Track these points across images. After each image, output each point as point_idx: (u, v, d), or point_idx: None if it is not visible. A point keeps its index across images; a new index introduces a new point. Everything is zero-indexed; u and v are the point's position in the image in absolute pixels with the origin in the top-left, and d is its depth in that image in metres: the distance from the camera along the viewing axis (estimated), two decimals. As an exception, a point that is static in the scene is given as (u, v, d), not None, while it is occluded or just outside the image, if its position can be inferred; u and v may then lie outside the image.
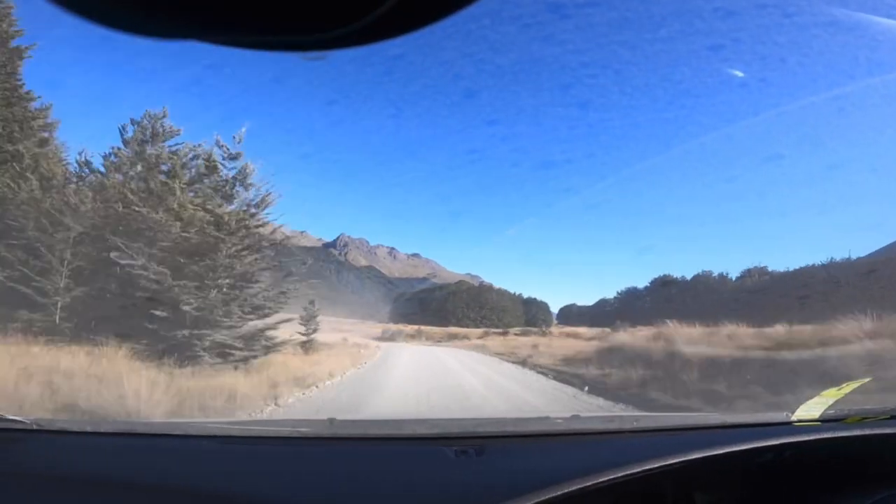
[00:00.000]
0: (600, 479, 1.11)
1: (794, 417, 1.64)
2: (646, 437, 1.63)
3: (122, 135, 12.16)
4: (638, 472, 1.16)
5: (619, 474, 1.14)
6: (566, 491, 1.06)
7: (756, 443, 1.35)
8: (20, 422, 1.49)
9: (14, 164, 10.86)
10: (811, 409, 1.67)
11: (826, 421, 1.61)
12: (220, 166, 11.29)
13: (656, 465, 1.19)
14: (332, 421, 1.79)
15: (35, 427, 1.51)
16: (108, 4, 0.39)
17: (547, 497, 1.04)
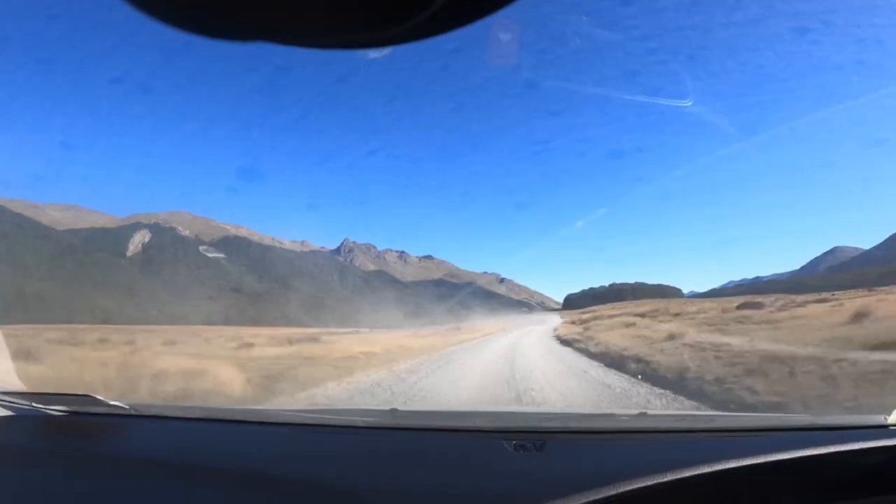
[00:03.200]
0: (667, 479, 1.05)
1: (891, 420, 1.48)
2: (722, 438, 1.52)
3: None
4: (710, 473, 1.09)
5: (688, 474, 1.07)
6: (628, 489, 1.02)
7: (848, 445, 1.23)
8: (121, 407, 1.64)
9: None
10: None
11: None
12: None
13: (731, 467, 1.11)
14: (394, 412, 1.85)
15: (133, 412, 1.66)
16: (185, 9, 0.42)
17: (607, 495, 1.00)
